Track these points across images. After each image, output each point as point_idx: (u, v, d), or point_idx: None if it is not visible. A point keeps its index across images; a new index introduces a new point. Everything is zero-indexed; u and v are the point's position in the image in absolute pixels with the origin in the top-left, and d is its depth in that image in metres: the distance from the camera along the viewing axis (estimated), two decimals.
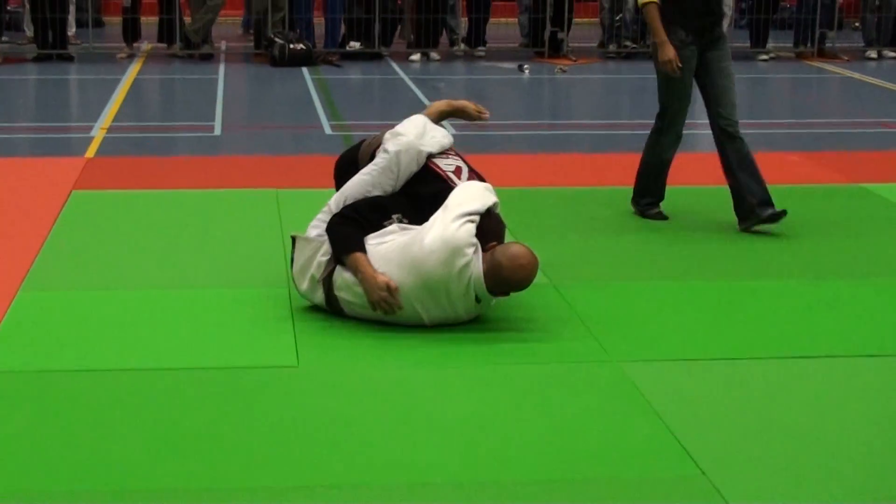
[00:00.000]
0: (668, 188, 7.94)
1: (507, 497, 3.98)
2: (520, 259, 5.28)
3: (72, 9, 14.91)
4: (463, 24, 15.44)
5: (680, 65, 6.97)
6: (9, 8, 15.45)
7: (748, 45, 15.50)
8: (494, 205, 5.54)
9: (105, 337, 5.29)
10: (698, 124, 11.76)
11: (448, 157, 5.82)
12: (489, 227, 5.43)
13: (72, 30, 15.00)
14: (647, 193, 7.36)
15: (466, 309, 5.38)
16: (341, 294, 5.43)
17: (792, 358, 5.18)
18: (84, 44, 14.88)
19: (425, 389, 4.80)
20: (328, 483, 4.02)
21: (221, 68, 14.05)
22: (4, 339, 5.24)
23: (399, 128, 5.81)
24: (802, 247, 6.75)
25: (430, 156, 5.75)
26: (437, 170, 5.71)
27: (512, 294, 5.61)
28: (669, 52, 6.97)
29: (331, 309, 5.50)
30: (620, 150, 9.68)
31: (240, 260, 6.37)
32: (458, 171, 5.74)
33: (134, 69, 13.80)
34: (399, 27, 15.35)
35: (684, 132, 7.29)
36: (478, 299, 5.36)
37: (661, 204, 7.38)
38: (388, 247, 5.37)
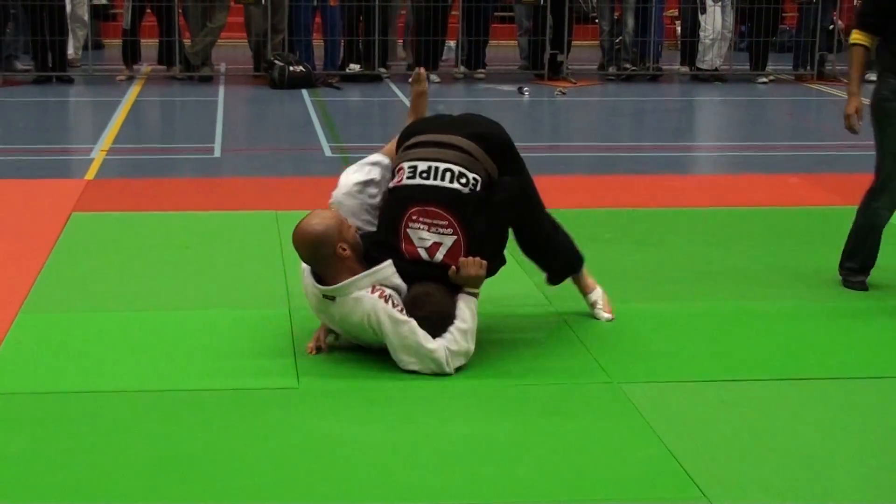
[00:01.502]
0: (668, 209, 7.95)
1: None
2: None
3: (82, 32, 14.90)
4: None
5: (856, 128, 6.40)
6: (8, 31, 15.45)
7: (748, 67, 15.55)
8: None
9: (105, 359, 5.28)
10: (698, 146, 11.81)
11: (426, 228, 5.21)
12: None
13: (78, 53, 15.01)
14: (853, 257, 6.43)
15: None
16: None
17: (793, 380, 5.17)
18: (84, 66, 14.90)
19: (425, 411, 4.78)
20: None
21: (221, 90, 14.07)
22: (4, 361, 5.23)
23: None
24: (802, 269, 6.75)
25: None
26: (400, 226, 5.21)
27: (511, 315, 5.60)
28: (852, 106, 6.32)
29: None
30: (619, 172, 9.70)
31: (240, 281, 6.37)
32: (433, 249, 5.18)
33: (134, 91, 13.82)
34: (403, 45, 15.34)
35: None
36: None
37: (868, 273, 6.43)
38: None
